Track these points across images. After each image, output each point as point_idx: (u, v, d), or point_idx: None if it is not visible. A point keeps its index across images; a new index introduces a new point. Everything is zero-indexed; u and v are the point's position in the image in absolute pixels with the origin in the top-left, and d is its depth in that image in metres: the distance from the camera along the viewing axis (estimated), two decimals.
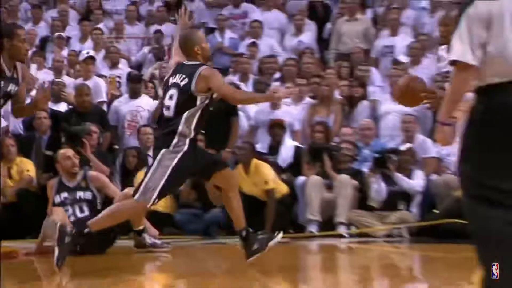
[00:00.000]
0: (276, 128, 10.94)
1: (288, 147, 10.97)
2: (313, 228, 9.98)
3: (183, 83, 6.80)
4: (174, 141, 6.67)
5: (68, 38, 13.65)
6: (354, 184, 10.06)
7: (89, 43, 13.65)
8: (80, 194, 8.35)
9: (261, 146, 11.04)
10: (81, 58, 11.94)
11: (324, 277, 6.82)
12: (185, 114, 6.72)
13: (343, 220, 9.90)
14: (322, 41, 14.05)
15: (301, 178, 10.40)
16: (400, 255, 8.54)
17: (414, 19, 13.73)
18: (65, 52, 13.29)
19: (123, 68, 12.92)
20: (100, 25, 14.03)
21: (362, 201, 10.10)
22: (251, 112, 11.69)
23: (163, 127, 6.94)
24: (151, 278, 7.16)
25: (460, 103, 4.64)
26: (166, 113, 6.84)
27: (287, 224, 10.29)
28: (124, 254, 8.20)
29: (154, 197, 6.62)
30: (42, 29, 14.15)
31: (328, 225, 9.97)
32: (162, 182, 6.61)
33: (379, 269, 7.75)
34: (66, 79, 12.15)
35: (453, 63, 4.31)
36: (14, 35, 7.17)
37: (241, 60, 12.81)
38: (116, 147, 11.18)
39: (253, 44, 13.25)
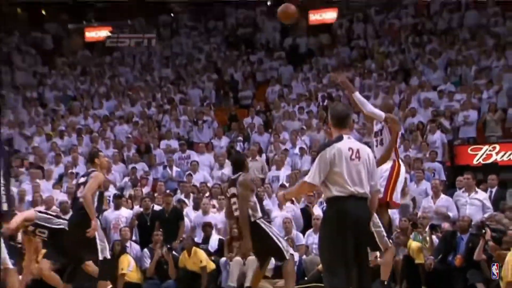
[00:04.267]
0: (207, 227, 10.95)
1: (214, 239, 10.93)
2: None
3: None
4: None
5: (77, 173, 13.43)
6: None
7: None
8: None
9: (198, 238, 11.01)
10: None
11: None
12: None
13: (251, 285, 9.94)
14: None
15: (223, 259, 10.33)
16: None
17: (291, 160, 14.06)
18: (74, 181, 13.16)
19: (111, 191, 12.82)
20: None
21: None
22: (192, 217, 11.55)
23: None
24: None
25: (301, 195, 5.28)
26: None
27: None
28: None
29: None
30: (60, 168, 14.25)
31: None
32: None
33: None
34: None
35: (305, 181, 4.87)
36: None
37: (184, 185, 12.87)
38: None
39: (190, 175, 13.32)
